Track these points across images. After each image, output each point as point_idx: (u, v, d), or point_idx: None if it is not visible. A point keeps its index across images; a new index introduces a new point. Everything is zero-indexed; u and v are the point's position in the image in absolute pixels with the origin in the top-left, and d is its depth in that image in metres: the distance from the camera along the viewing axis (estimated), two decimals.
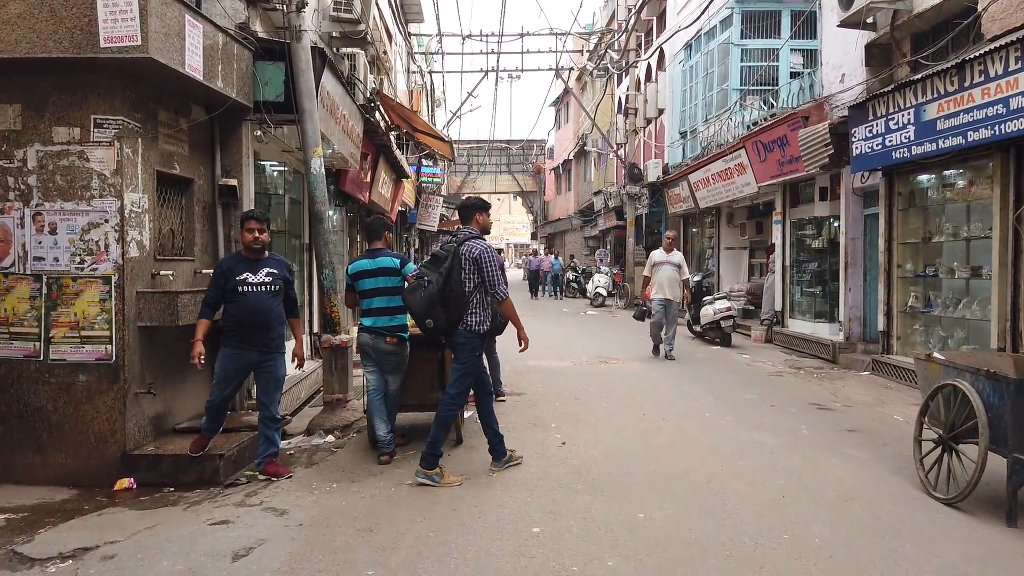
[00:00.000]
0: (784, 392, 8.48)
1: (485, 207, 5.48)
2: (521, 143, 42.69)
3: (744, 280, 17.05)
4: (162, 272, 5.75)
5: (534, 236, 51.37)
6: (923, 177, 9.80)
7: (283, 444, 6.04)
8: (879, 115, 9.45)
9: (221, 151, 6.72)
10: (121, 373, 5.31)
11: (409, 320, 5.81)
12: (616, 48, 23.02)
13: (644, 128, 22.45)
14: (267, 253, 5.39)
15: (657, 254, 11.34)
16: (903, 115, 8.94)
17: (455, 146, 40.78)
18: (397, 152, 13.45)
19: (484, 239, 5.19)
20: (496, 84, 35.42)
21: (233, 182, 6.63)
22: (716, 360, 11.12)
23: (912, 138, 8.81)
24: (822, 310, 12.60)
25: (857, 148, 10.04)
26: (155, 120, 5.74)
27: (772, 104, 13.53)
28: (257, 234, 5.24)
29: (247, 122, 6.83)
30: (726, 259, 17.50)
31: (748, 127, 14.27)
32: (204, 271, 6.43)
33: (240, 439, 5.78)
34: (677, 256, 11.36)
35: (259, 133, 6.88)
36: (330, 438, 6.47)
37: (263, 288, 5.20)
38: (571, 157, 37.99)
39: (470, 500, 4.67)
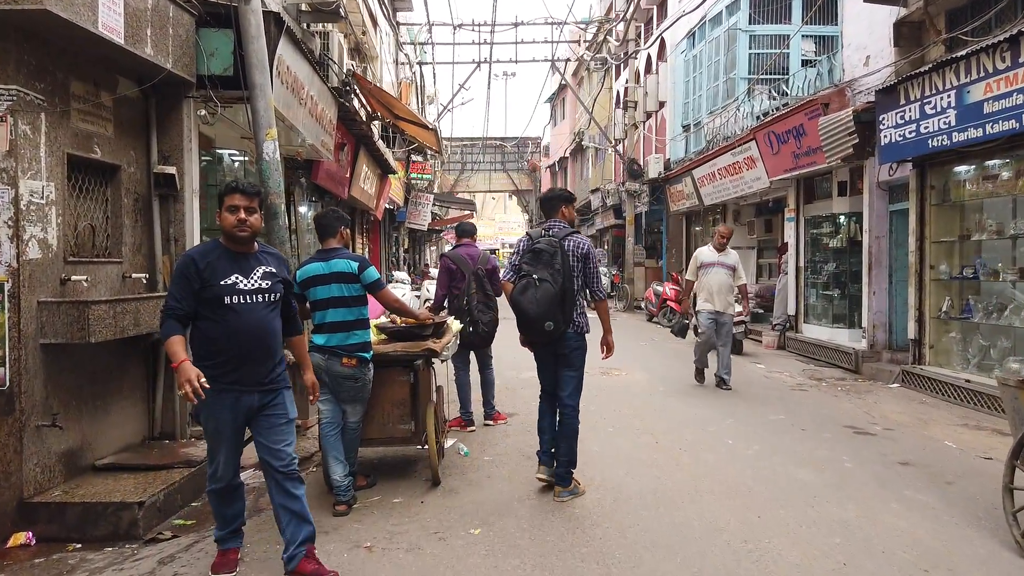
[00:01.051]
0: (811, 410, 7.48)
1: (571, 199, 5.02)
2: (516, 140, 41.65)
3: (751, 281, 16.05)
4: (74, 277, 4.71)
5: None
6: (961, 168, 8.81)
7: None
8: (912, 99, 8.47)
9: (158, 133, 5.69)
10: (16, 402, 4.28)
11: (375, 335, 4.80)
12: (614, 37, 22.02)
13: (644, 122, 21.47)
14: (257, 244, 3.65)
15: (705, 253, 8.90)
16: (942, 98, 7.96)
17: (448, 144, 39.85)
18: (380, 144, 12.42)
19: (580, 233, 4.80)
20: (489, 76, 34.49)
21: (171, 170, 5.60)
22: None
23: (953, 124, 7.83)
24: (841, 315, 11.62)
25: (885, 136, 9.06)
26: (66, 93, 4.71)
27: (785, 92, 12.55)
28: (243, 215, 3.46)
29: (190, 100, 5.81)
30: None
31: (758, 118, 13.29)
32: (135, 275, 5.41)
33: (170, 479, 4.75)
34: (732, 257, 8.85)
35: (203, 113, 5.86)
36: None
37: (260, 298, 3.49)
38: (567, 155, 37.01)
39: (443, 569, 3.66)
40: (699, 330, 8.81)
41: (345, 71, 8.90)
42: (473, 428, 6.61)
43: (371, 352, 4.38)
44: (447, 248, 33.06)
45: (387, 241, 20.02)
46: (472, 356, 6.71)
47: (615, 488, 4.89)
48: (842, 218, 11.53)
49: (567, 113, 38.43)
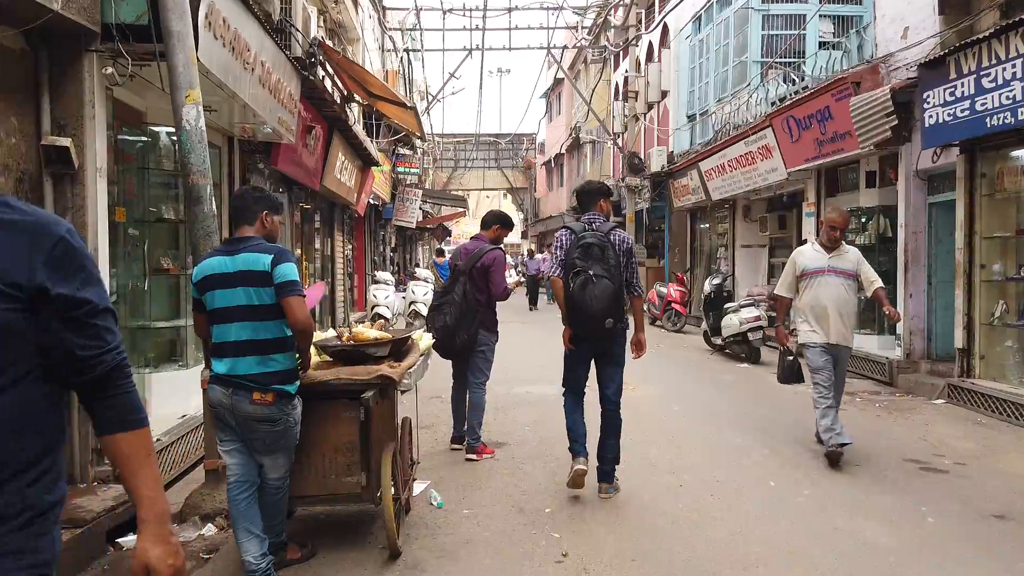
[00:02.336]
0: (858, 436, 6.29)
1: (608, 192, 4.99)
2: (510, 137, 40.44)
3: (763, 282, 14.90)
4: None
5: (524, 235, 49.17)
6: (1019, 153, 7.66)
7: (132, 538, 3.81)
8: (966, 72, 7.31)
9: (51, 96, 4.50)
10: None
11: (314, 355, 3.60)
12: (614, 23, 20.85)
13: (645, 114, 20.28)
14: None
15: (807, 255, 5.97)
16: (1005, 69, 6.80)
17: (440, 140, 38.62)
18: (359, 131, 11.21)
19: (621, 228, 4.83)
20: (482, 65, 33.14)
21: (65, 142, 4.40)
22: (749, 384, 8.95)
23: (1019, 98, 6.67)
24: (868, 319, 10.46)
25: (931, 116, 7.90)
26: None
27: (804, 75, 11.39)
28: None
29: (92, 54, 4.60)
30: (742, 258, 15.34)
31: (773, 104, 12.14)
32: None
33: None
34: (850, 257, 5.94)
35: (110, 71, 4.65)
36: (210, 528, 4.24)
37: None
38: (563, 151, 35.83)
39: None
40: (812, 373, 5.77)
41: (311, 39, 7.69)
42: (492, 454, 5.61)
43: (296, 383, 3.17)
44: (440, 246, 31.89)
45: (372, 239, 18.80)
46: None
47: (638, 561, 3.69)
48: (870, 212, 10.37)
49: (563, 108, 37.27)
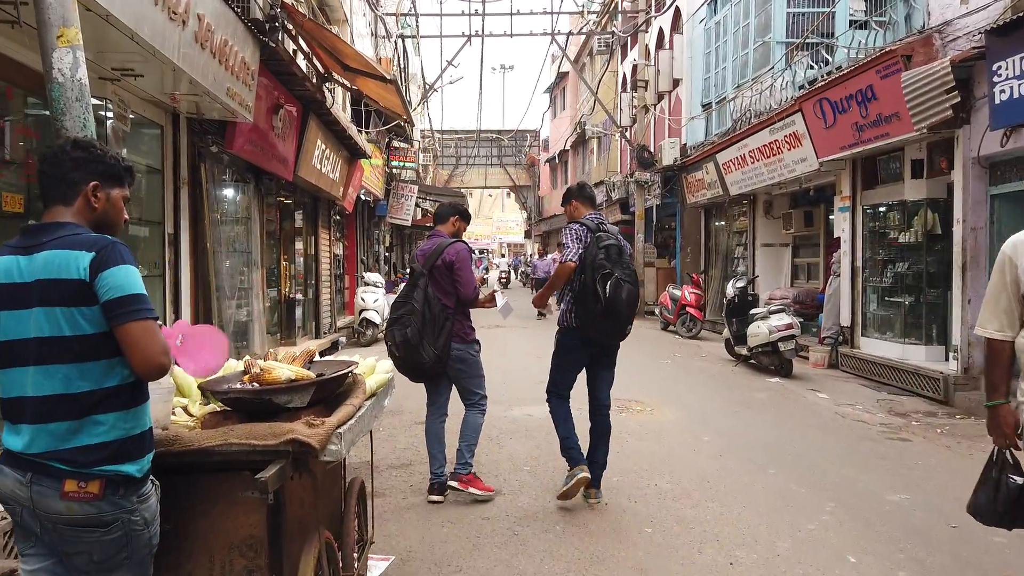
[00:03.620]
0: (938, 480, 5.10)
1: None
2: (513, 133, 39.22)
3: (786, 284, 13.70)
4: None
5: (527, 235, 47.96)
6: None
7: None
8: None
9: None
10: None
11: (196, 406, 2.41)
12: (624, 4, 19.63)
13: (656, 105, 19.08)
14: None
15: None
16: None
17: (440, 136, 37.42)
18: (341, 115, 10.03)
19: None
20: (482, 51, 32.18)
21: None
22: (785, 403, 7.74)
23: None
24: (914, 327, 9.26)
25: (1002, 92, 6.71)
26: None
27: (844, 49, 10.17)
28: None
29: None
30: (763, 258, 14.12)
31: (802, 86, 10.94)
32: None
33: None
34: None
35: None
36: None
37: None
38: (567, 147, 34.64)
39: None
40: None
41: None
42: (440, 500, 4.50)
43: (144, 460, 1.97)
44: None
45: (365, 238, 17.63)
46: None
47: None
48: (916, 206, 9.16)
49: (567, 103, 36.08)
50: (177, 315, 6.30)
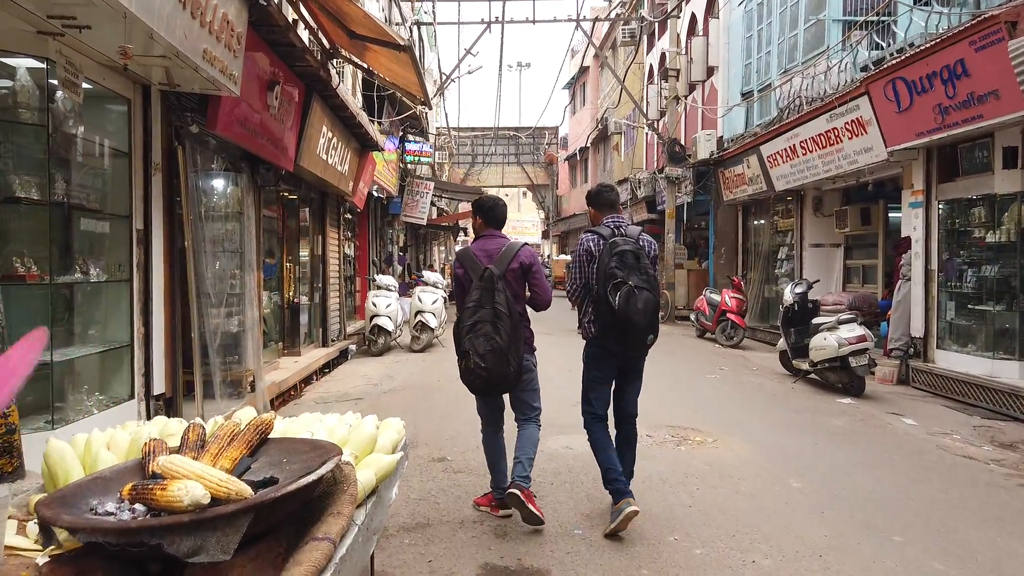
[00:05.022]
0: None
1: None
2: (531, 130, 38.07)
3: (838, 288, 12.46)
4: None
5: (545, 235, 46.79)
6: None
7: None
8: None
9: None
10: None
11: (32, 539, 1.30)
12: None
13: (687, 96, 17.89)
14: None
15: None
16: None
17: (456, 134, 36.35)
18: (349, 98, 8.96)
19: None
20: (502, 38, 31.42)
21: None
22: (870, 433, 6.54)
23: None
24: (1006, 339, 8.05)
25: None
26: None
27: (895, 31, 8.98)
28: None
29: None
30: (811, 260, 12.90)
31: (866, 67, 9.75)
32: None
33: None
34: None
35: None
36: None
37: None
38: (588, 144, 33.48)
39: None
40: None
41: None
42: (509, 513, 4.17)
43: None
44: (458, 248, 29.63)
45: (378, 238, 16.56)
46: (507, 401, 4.35)
47: None
48: (1008, 201, 7.95)
49: (588, 99, 34.94)
50: (147, 327, 5.24)
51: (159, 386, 5.32)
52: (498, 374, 3.95)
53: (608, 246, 4.03)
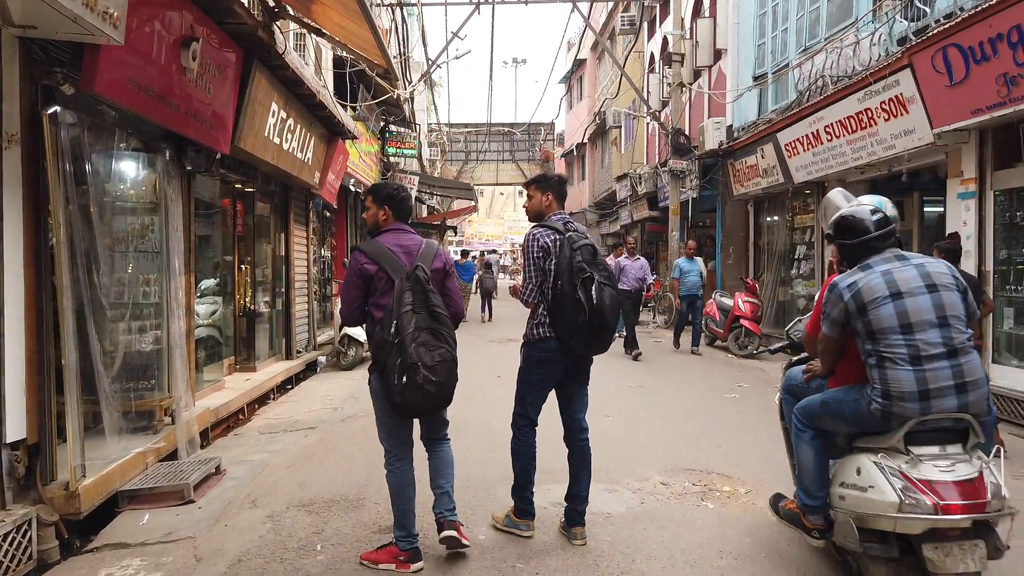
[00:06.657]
0: None
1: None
2: (526, 126, 36.81)
3: None
4: None
5: None
6: None
7: None
8: None
9: None
10: None
11: None
12: None
13: (692, 84, 16.60)
14: None
15: None
16: None
17: (448, 130, 35.04)
18: (304, 72, 7.64)
19: None
20: (492, 20, 30.22)
21: None
22: None
23: None
24: (1021, 345, 6.79)
25: None
26: None
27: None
28: None
29: None
30: None
31: (902, 39, 8.47)
32: None
33: None
34: None
35: None
36: None
37: None
38: (585, 140, 32.23)
39: None
40: None
41: None
42: (420, 566, 3.60)
43: None
44: (449, 249, 28.33)
45: (357, 237, 15.26)
46: (416, 425, 3.82)
47: None
48: None
49: (584, 93, 33.64)
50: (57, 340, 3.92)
51: (16, 431, 3.99)
52: (449, 387, 3.56)
53: (567, 240, 3.83)
